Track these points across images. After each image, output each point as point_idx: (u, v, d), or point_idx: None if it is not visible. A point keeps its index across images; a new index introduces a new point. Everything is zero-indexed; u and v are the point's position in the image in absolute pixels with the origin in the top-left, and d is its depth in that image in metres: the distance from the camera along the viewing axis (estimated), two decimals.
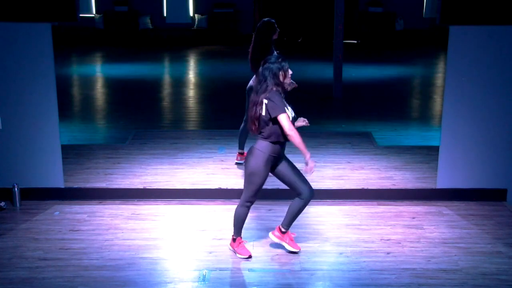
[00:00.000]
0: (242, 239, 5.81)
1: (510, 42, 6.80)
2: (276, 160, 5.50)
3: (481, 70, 6.87)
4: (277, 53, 7.26)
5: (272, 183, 7.33)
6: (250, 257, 5.70)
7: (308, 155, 5.38)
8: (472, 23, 6.69)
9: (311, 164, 5.41)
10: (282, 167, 5.56)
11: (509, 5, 6.60)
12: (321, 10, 20.17)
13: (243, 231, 6.29)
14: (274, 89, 5.33)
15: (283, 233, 5.82)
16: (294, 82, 6.87)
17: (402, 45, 19.91)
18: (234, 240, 5.80)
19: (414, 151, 8.66)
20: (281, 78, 5.34)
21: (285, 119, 5.28)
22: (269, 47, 7.33)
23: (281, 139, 5.41)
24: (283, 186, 6.95)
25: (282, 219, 6.47)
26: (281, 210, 6.78)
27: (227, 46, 20.06)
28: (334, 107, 11.92)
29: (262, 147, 5.42)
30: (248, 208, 5.67)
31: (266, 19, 7.48)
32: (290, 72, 5.39)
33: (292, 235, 5.87)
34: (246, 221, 6.52)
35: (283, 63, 5.34)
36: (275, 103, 5.29)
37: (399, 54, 18.66)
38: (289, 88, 5.70)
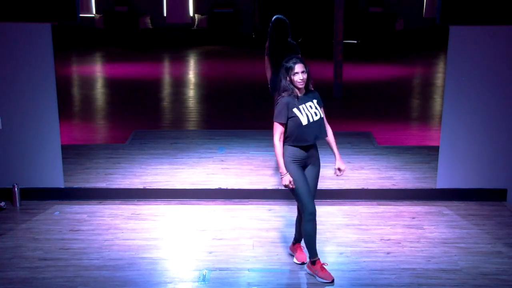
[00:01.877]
0: (321, 261, 5.45)
1: (510, 42, 6.80)
2: (302, 165, 5.34)
3: (481, 70, 6.87)
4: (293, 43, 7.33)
5: (272, 183, 7.33)
6: (333, 281, 5.33)
7: (281, 170, 5.24)
8: (472, 23, 6.69)
9: (285, 181, 5.25)
10: (306, 174, 5.38)
11: (509, 5, 6.60)
12: (321, 10, 20.16)
13: (243, 231, 6.30)
14: (285, 92, 5.26)
15: (314, 263, 5.44)
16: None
17: (402, 45, 19.90)
18: (313, 263, 5.41)
19: (414, 151, 8.66)
20: (288, 78, 5.26)
21: (275, 128, 5.25)
22: (285, 43, 7.47)
23: (300, 143, 5.27)
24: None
25: (282, 219, 6.49)
26: (281, 210, 6.79)
27: (227, 46, 20.05)
28: (334, 107, 11.91)
29: (285, 152, 5.31)
30: (313, 221, 5.33)
31: (278, 17, 7.64)
32: (298, 76, 5.23)
33: (324, 265, 5.45)
34: (245, 221, 6.54)
35: (291, 64, 5.24)
36: (276, 109, 5.27)
37: (399, 54, 18.66)
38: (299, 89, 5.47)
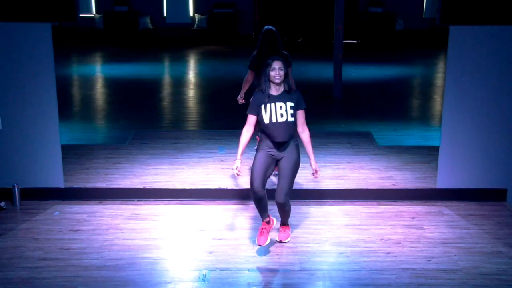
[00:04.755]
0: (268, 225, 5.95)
1: (510, 42, 6.80)
2: (274, 155, 5.68)
3: (481, 70, 6.87)
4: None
5: (272, 182, 7.33)
6: (260, 245, 5.83)
7: (237, 156, 5.68)
8: (472, 23, 6.69)
9: (234, 165, 5.70)
10: (280, 165, 5.74)
11: (509, 5, 6.60)
12: (321, 10, 20.16)
13: (243, 231, 6.31)
14: (260, 88, 5.69)
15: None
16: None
17: (402, 45, 19.90)
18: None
19: (414, 151, 8.65)
20: (267, 74, 5.60)
21: (247, 118, 5.74)
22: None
23: (266, 138, 5.65)
24: None
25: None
26: None
27: (227, 46, 20.06)
28: (334, 107, 11.91)
29: (260, 140, 5.81)
30: (255, 198, 5.74)
31: (269, 27, 7.27)
32: (275, 71, 5.54)
33: (265, 229, 5.90)
34: (246, 220, 6.54)
35: (269, 60, 5.61)
36: (250, 102, 5.77)
37: (399, 54, 18.66)
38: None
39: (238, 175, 5.69)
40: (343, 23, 12.08)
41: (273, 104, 5.56)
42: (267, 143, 5.67)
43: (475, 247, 6.00)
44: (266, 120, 5.57)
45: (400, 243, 6.07)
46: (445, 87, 6.99)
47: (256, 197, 5.69)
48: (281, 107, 5.55)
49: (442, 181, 7.17)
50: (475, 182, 7.13)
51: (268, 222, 5.89)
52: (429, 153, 8.37)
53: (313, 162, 5.75)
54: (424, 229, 6.40)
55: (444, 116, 7.04)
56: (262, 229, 5.85)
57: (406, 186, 7.33)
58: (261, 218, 5.91)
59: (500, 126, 7.00)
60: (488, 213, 6.81)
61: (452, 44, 6.80)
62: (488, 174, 7.10)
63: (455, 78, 6.89)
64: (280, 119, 5.55)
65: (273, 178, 6.98)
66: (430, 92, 13.50)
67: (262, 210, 5.83)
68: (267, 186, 5.85)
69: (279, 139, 5.60)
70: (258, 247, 5.89)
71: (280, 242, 5.99)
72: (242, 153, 5.73)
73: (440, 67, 16.65)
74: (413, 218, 6.67)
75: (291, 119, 5.57)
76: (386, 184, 7.39)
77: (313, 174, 5.80)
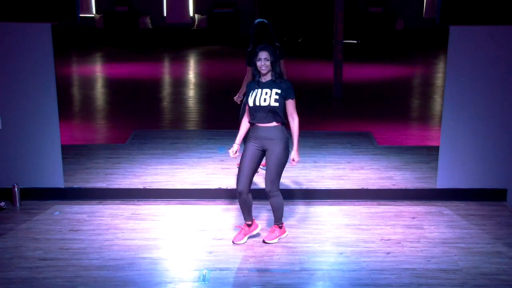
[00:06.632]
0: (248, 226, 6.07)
1: (510, 42, 6.80)
2: (258, 146, 5.77)
3: (481, 70, 6.87)
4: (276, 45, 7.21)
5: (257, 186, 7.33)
6: (233, 242, 6.00)
7: (236, 141, 5.86)
8: (472, 23, 6.69)
9: (231, 152, 5.84)
10: (266, 157, 5.82)
11: (509, 5, 6.60)
12: (321, 10, 20.15)
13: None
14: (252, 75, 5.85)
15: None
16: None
17: (402, 45, 19.90)
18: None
19: (414, 151, 8.66)
20: (255, 64, 5.73)
21: (246, 108, 5.85)
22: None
23: (252, 121, 5.75)
24: (283, 186, 6.96)
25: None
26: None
27: (227, 46, 20.05)
28: (334, 107, 11.92)
29: None
30: (239, 197, 5.83)
31: (261, 20, 7.27)
32: (260, 62, 5.65)
33: (241, 229, 6.04)
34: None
35: (257, 50, 5.72)
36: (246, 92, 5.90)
37: (399, 54, 18.66)
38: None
39: (235, 157, 5.86)
40: (343, 23, 12.07)
41: (259, 90, 5.69)
42: (252, 129, 5.79)
43: (475, 247, 6.00)
44: (250, 103, 5.69)
45: (400, 243, 6.07)
46: (445, 87, 6.99)
47: (240, 198, 5.81)
48: (266, 93, 5.66)
49: (442, 181, 7.17)
50: (475, 182, 7.13)
51: (249, 225, 6.00)
52: (429, 153, 8.37)
53: (294, 152, 5.80)
54: (424, 229, 6.40)
55: (444, 116, 7.04)
56: (241, 229, 5.99)
57: (406, 186, 7.33)
58: (245, 218, 6.02)
59: (499, 126, 7.00)
60: (488, 213, 6.81)
61: (452, 44, 6.80)
62: (488, 174, 7.10)
63: (455, 78, 6.89)
64: (262, 103, 5.63)
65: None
66: (430, 92, 13.50)
67: (245, 212, 5.93)
68: (254, 186, 5.92)
69: (259, 123, 5.69)
70: (258, 247, 5.89)
71: (264, 242, 6.00)
72: (242, 139, 5.91)
73: (440, 67, 16.64)
74: (413, 218, 6.67)
75: (274, 104, 5.63)
76: (386, 184, 7.39)
77: (292, 162, 5.84)
